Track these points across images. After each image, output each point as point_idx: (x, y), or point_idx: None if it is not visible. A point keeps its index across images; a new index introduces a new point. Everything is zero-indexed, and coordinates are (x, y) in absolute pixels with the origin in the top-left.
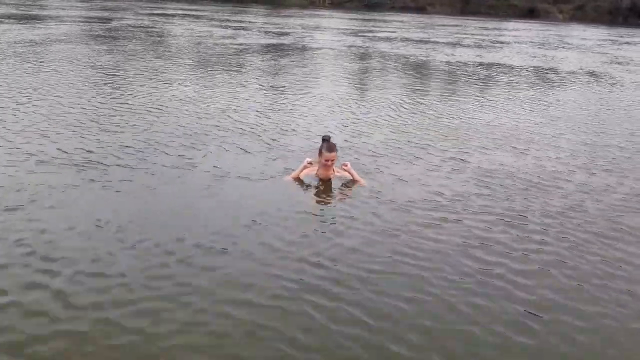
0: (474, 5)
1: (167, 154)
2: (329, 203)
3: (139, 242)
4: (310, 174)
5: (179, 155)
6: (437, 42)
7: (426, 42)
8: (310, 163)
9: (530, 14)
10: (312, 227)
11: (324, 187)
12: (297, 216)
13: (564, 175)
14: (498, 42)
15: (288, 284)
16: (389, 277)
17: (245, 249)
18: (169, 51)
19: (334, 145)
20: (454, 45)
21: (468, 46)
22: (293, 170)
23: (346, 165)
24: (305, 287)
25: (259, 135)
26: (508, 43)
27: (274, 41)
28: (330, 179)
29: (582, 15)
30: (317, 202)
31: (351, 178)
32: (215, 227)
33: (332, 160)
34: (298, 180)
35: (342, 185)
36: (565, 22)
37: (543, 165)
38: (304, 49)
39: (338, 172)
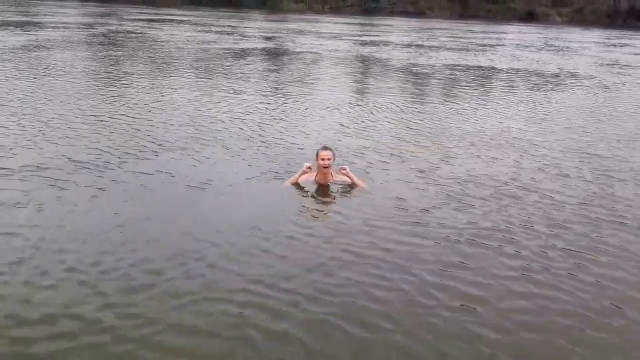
0: (473, 9)
1: (156, 160)
2: (320, 211)
3: (121, 250)
4: (309, 179)
5: (166, 162)
6: (432, 47)
7: (421, 46)
8: (309, 168)
9: (529, 17)
10: (290, 241)
11: (321, 194)
12: (280, 225)
13: (543, 185)
14: (491, 45)
15: (240, 299)
16: (337, 320)
17: (230, 256)
18: (162, 57)
19: (330, 146)
20: (448, 49)
21: (461, 50)
22: (293, 174)
23: (344, 169)
24: (246, 310)
25: (252, 141)
26: (499, 46)
27: (269, 47)
28: (329, 184)
29: (581, 18)
30: (307, 210)
31: (350, 182)
32: (203, 234)
33: (329, 159)
34: (296, 185)
35: (340, 191)
36: (563, 25)
37: (521, 174)
38: (298, 54)
39: (337, 177)
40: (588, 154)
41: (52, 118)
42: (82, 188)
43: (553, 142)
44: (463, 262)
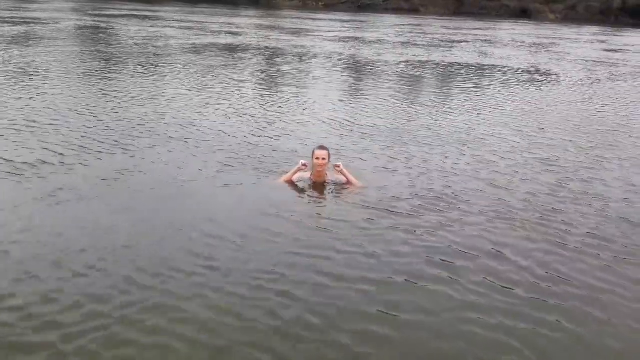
0: (467, 6)
1: (123, 161)
2: (311, 211)
3: (105, 251)
4: (304, 177)
5: (157, 158)
6: (420, 45)
7: (411, 44)
8: (304, 165)
9: (523, 14)
10: (274, 239)
11: (315, 192)
12: (262, 224)
13: (484, 200)
14: (471, 42)
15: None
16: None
17: (211, 254)
18: (140, 54)
19: (325, 146)
20: (419, 46)
21: (433, 47)
22: (286, 172)
23: (338, 167)
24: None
25: (242, 139)
26: (478, 44)
27: (261, 44)
28: (324, 182)
29: (574, 15)
30: (296, 209)
31: (345, 180)
32: (193, 231)
33: (324, 159)
34: (290, 182)
35: (334, 190)
36: (556, 22)
37: (467, 185)
38: (290, 52)
39: (332, 176)
40: (545, 162)
41: (23, 113)
42: (27, 190)
43: (508, 147)
44: (398, 304)
